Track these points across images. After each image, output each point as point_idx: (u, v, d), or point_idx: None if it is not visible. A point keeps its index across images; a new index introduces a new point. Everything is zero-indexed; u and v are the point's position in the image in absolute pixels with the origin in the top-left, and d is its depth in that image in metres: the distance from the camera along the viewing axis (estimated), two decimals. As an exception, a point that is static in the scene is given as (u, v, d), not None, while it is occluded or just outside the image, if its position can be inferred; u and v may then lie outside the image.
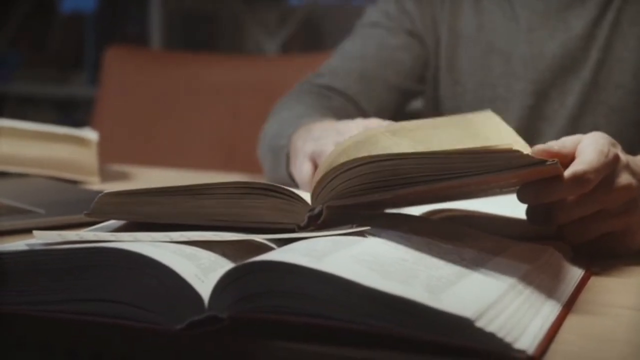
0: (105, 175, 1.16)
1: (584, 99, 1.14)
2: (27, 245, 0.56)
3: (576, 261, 0.67)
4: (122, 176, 1.19)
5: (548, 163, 0.60)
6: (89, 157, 1.13)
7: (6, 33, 3.14)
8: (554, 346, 0.51)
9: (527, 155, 0.59)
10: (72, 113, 3.02)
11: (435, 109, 1.25)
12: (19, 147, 1.10)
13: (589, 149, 0.67)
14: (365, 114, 1.19)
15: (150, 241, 0.56)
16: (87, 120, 1.94)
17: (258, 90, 1.80)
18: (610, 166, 0.67)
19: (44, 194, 0.98)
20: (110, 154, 1.36)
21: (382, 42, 1.22)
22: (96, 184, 1.12)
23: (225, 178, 0.91)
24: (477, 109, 1.19)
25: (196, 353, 0.52)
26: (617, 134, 0.76)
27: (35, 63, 3.09)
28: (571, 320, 0.56)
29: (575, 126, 1.13)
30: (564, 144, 0.68)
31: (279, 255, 0.52)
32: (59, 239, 0.56)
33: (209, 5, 2.85)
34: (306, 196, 0.63)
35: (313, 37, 2.78)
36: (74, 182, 1.11)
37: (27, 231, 0.73)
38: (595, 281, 0.65)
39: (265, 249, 0.59)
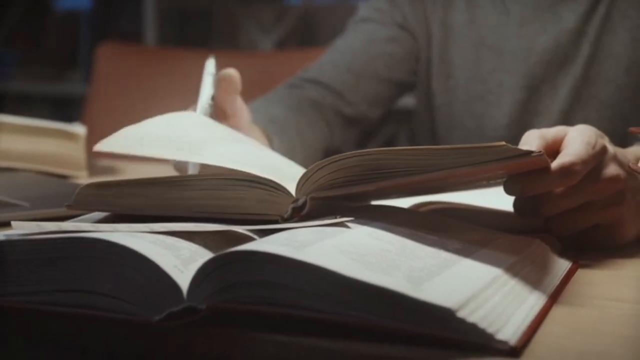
0: (94, 170, 1.16)
1: (575, 94, 1.13)
2: (5, 235, 0.56)
3: (563, 253, 0.67)
4: (111, 170, 1.18)
5: (534, 154, 0.59)
6: (76, 151, 1.12)
7: (1, 31, 3.13)
8: (537, 337, 0.50)
9: (514, 147, 0.59)
10: (67, 111, 3.01)
11: (427, 104, 1.24)
12: (6, 142, 1.09)
13: (576, 140, 0.66)
14: (354, 106, 1.19)
15: (130, 232, 0.55)
16: (80, 118, 1.94)
17: (253, 87, 1.79)
18: (598, 157, 0.66)
19: (30, 188, 0.97)
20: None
21: (372, 35, 1.21)
22: (84, 178, 1.11)
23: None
24: (469, 104, 1.19)
25: (175, 344, 0.51)
26: (608, 129, 0.76)
27: (30, 61, 3.08)
28: (556, 312, 0.55)
29: (567, 121, 1.12)
30: (550, 131, 0.67)
31: (258, 245, 0.51)
32: (37, 230, 0.56)
33: (203, 2, 2.84)
34: (291, 187, 0.63)
35: (308, 35, 2.77)
36: (62, 177, 1.11)
37: (9, 224, 0.72)
38: (582, 273, 0.65)
39: (248, 240, 0.59)
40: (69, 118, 1.59)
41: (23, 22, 3.13)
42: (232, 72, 0.90)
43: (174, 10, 2.84)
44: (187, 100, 1.90)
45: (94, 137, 1.16)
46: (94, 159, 1.21)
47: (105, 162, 1.24)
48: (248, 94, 2.00)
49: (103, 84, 1.90)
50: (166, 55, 2.04)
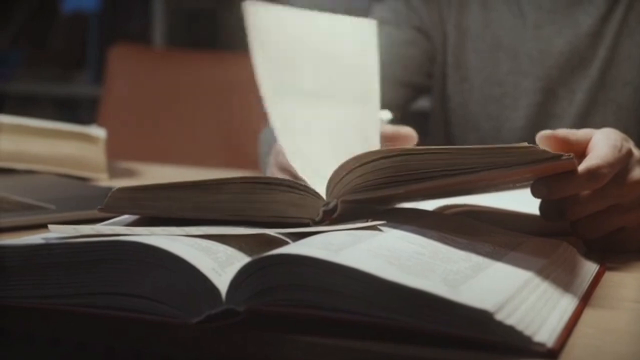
0: (113, 172, 1.16)
1: (593, 97, 1.13)
2: (43, 238, 0.56)
3: (589, 256, 0.67)
4: (130, 173, 1.19)
5: (563, 158, 0.60)
6: (97, 154, 1.13)
7: (8, 32, 3.13)
8: (573, 340, 0.51)
9: (543, 150, 0.59)
10: (74, 112, 3.02)
11: (443, 106, 1.25)
12: (27, 144, 1.10)
13: (601, 143, 0.67)
14: None
15: (167, 235, 0.56)
16: (89, 119, 1.94)
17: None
18: (624, 161, 0.67)
19: (54, 190, 0.97)
20: (115, 152, 1.35)
21: (390, 38, 1.22)
22: (104, 181, 1.12)
23: (233, 174, 0.91)
24: (485, 106, 1.20)
25: (213, 346, 0.52)
26: (626, 132, 0.76)
27: (37, 62, 3.09)
28: (588, 314, 0.55)
29: (584, 124, 1.12)
30: (575, 134, 0.68)
31: (296, 248, 0.52)
32: (75, 233, 0.56)
33: (211, 3, 2.85)
34: (321, 191, 0.63)
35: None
36: (83, 179, 1.11)
37: (39, 227, 0.73)
38: (609, 276, 0.65)
39: (281, 243, 0.59)
40: (76, 119, 1.60)
41: (29, 22, 3.14)
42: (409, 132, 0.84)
43: (181, 12, 2.84)
44: (196, 100, 1.90)
45: (108, 138, 1.17)
46: (113, 162, 1.22)
47: (123, 165, 1.25)
48: (256, 95, 1.99)
49: (116, 85, 1.91)
50: (178, 57, 2.04)
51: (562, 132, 0.68)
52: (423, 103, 1.40)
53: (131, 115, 1.89)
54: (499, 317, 0.47)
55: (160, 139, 1.86)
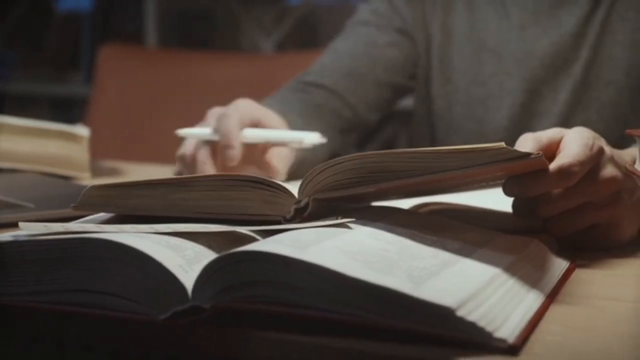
0: (97, 171, 1.16)
1: (576, 96, 1.14)
2: (12, 236, 0.57)
3: (561, 253, 0.68)
4: (114, 172, 1.19)
5: (533, 156, 0.60)
6: (80, 152, 1.13)
7: (2, 32, 3.13)
8: (536, 336, 0.51)
9: (513, 149, 0.60)
10: (68, 112, 3.02)
11: (427, 107, 1.25)
12: (10, 143, 1.10)
13: (573, 142, 0.67)
14: (353, 110, 1.20)
15: (135, 232, 0.56)
16: (83, 119, 1.94)
17: (253, 88, 1.80)
18: (595, 159, 0.67)
19: (34, 189, 0.98)
20: (105, 151, 1.36)
21: (372, 39, 1.22)
22: (87, 180, 1.12)
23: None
24: (469, 107, 1.20)
25: (180, 343, 0.52)
26: (608, 131, 0.76)
27: (31, 62, 3.09)
28: (554, 311, 0.56)
29: (567, 123, 1.13)
30: (544, 134, 0.68)
31: (262, 245, 0.52)
32: (45, 230, 0.57)
33: (204, 3, 2.85)
34: (294, 189, 0.64)
35: (309, 36, 2.78)
36: (66, 178, 1.11)
37: (16, 225, 0.73)
38: (579, 273, 0.65)
39: (251, 240, 0.60)
40: (70, 119, 1.60)
41: (24, 22, 3.14)
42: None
43: (175, 11, 2.84)
44: (187, 100, 1.91)
45: (97, 138, 1.18)
46: (97, 161, 1.22)
47: (108, 164, 1.25)
48: (248, 96, 1.99)
49: (106, 85, 1.91)
50: (169, 57, 2.04)
51: (529, 136, 0.68)
52: (408, 102, 1.40)
53: (122, 115, 1.89)
54: (460, 313, 0.48)
55: (152, 139, 1.86)
